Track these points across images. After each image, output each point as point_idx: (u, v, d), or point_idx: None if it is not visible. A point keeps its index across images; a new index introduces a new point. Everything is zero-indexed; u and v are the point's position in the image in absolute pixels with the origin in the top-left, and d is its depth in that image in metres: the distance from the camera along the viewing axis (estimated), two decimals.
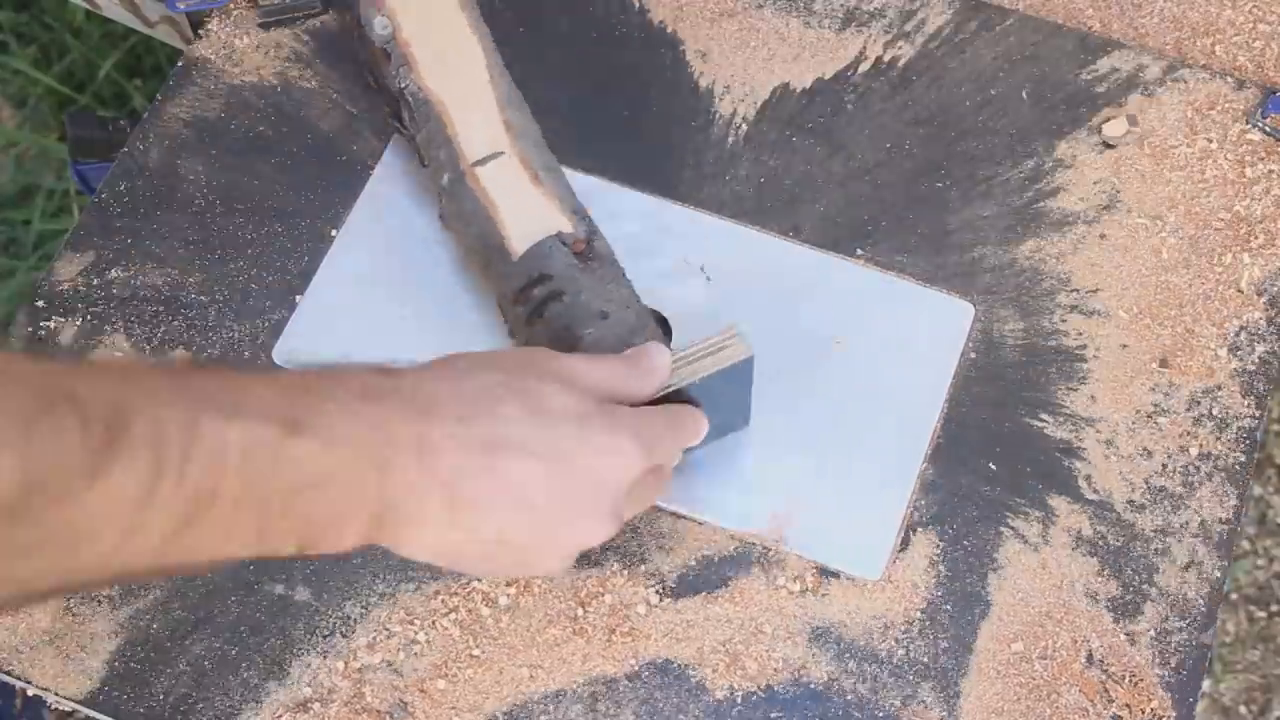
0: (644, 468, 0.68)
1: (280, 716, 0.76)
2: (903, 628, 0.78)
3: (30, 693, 0.78)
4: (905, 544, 0.79)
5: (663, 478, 0.73)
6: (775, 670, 0.77)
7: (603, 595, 0.78)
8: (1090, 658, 0.77)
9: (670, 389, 0.72)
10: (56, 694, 0.77)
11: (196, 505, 0.55)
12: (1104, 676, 0.76)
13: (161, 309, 0.86)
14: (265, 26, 0.93)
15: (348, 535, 0.61)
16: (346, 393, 0.61)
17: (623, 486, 0.67)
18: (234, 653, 0.77)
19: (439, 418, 0.63)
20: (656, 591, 0.78)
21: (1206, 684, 1.57)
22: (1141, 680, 0.76)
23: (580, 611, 0.78)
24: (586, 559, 0.78)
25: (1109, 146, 0.89)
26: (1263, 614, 1.63)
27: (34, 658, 0.78)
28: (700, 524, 0.80)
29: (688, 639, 0.77)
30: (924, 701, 0.76)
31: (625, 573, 0.79)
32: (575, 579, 0.79)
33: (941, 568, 0.79)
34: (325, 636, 0.78)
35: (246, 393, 0.58)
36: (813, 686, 0.76)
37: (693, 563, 0.79)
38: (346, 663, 0.77)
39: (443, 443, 0.62)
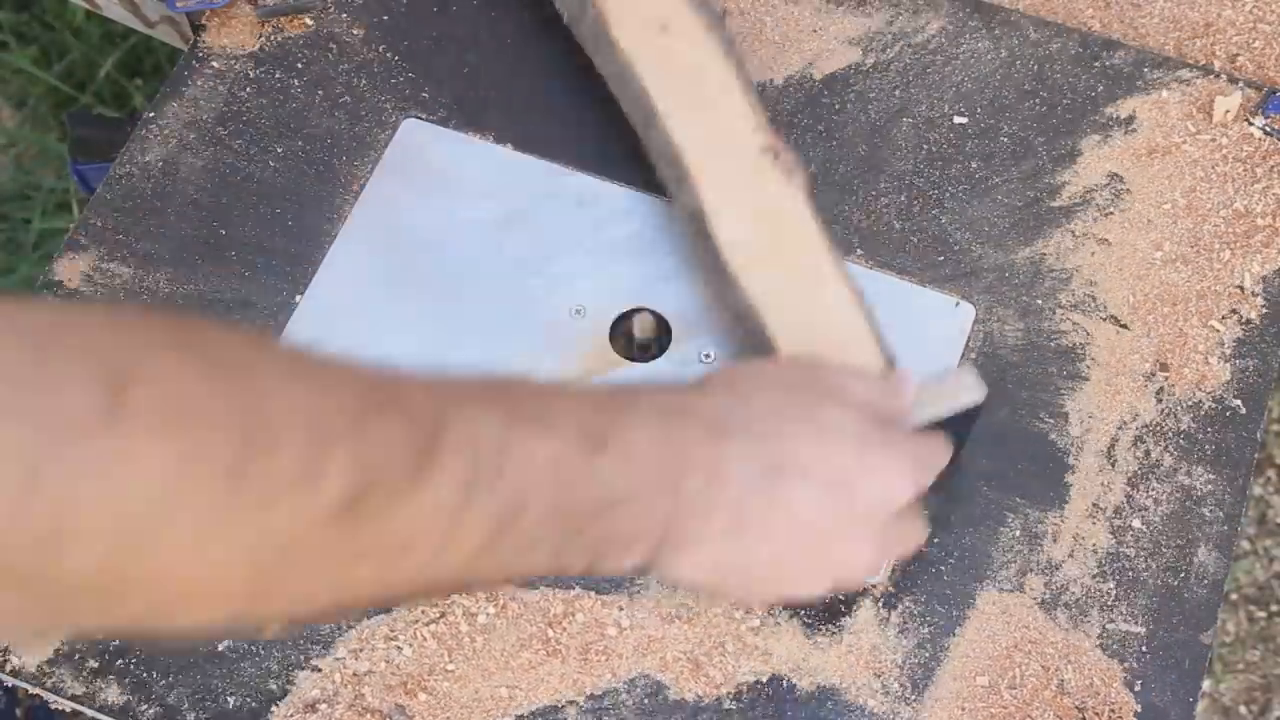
0: (913, 492, 0.67)
1: (290, 717, 0.76)
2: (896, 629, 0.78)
3: (33, 693, 0.78)
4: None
5: (918, 516, 0.71)
6: (743, 679, 0.77)
7: (574, 615, 0.78)
8: (1061, 683, 0.77)
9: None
10: (60, 696, 0.77)
11: (505, 518, 0.54)
12: (1089, 689, 0.76)
13: (164, 306, 0.85)
14: (265, 25, 0.93)
15: (634, 554, 0.61)
16: (647, 410, 0.61)
17: (891, 511, 0.66)
18: (235, 655, 0.77)
19: (731, 439, 0.63)
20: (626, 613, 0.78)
21: (1207, 684, 1.57)
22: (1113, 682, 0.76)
23: (551, 632, 0.78)
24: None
25: (1109, 146, 0.89)
26: (1263, 614, 1.63)
27: (37, 659, 0.78)
28: None
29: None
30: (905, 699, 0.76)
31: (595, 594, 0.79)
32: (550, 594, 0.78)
33: (935, 573, 0.79)
34: (325, 645, 0.78)
35: (554, 407, 0.58)
36: (796, 695, 0.76)
37: None
38: (340, 672, 0.77)
39: (732, 465, 0.62)
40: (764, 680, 0.77)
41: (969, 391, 0.73)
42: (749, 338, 0.78)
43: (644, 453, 0.60)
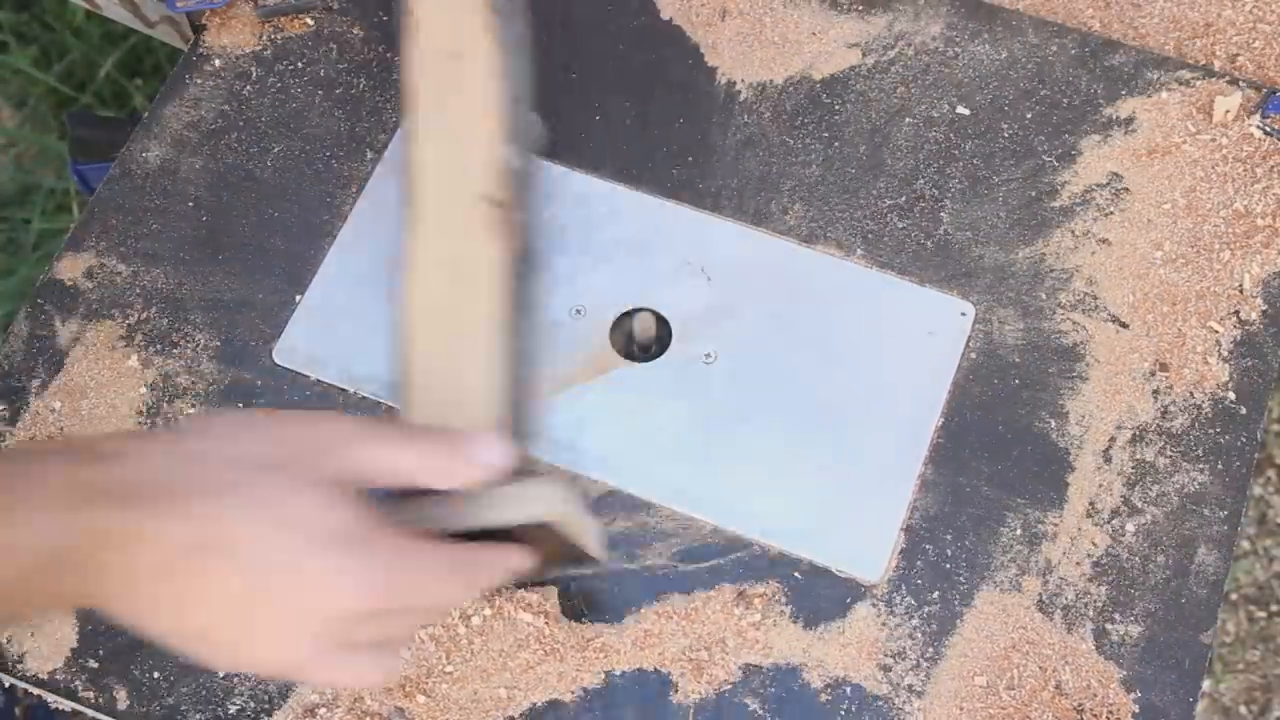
0: (367, 607, 0.59)
1: None
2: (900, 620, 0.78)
3: (34, 692, 0.78)
4: (906, 545, 0.79)
5: (409, 624, 0.63)
6: (742, 675, 0.77)
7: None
8: (1059, 684, 0.77)
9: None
10: (65, 698, 0.77)
11: None
12: (1086, 689, 0.76)
13: (161, 309, 0.86)
14: (265, 25, 0.93)
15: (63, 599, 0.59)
16: (48, 481, 0.57)
17: (333, 619, 0.59)
18: None
19: (149, 507, 0.57)
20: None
21: (1206, 684, 1.57)
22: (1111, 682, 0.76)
23: (549, 630, 0.78)
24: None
25: (1109, 146, 0.89)
26: (1263, 614, 1.63)
27: (39, 662, 0.78)
28: (696, 523, 0.80)
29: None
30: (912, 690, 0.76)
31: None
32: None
33: (934, 573, 0.79)
34: None
35: None
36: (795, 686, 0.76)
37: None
38: None
39: (144, 530, 0.57)
40: (764, 675, 0.77)
41: (541, 504, 0.65)
42: (399, 385, 0.74)
43: (47, 527, 0.56)
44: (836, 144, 0.90)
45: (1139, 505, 0.80)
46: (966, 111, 0.90)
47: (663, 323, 0.85)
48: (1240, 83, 0.90)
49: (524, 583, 0.78)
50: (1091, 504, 0.80)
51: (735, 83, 0.91)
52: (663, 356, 0.84)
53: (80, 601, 0.60)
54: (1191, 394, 0.83)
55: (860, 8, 0.93)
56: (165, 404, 0.83)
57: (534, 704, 0.77)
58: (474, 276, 0.75)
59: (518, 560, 0.66)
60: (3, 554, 0.56)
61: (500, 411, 0.72)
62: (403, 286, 0.75)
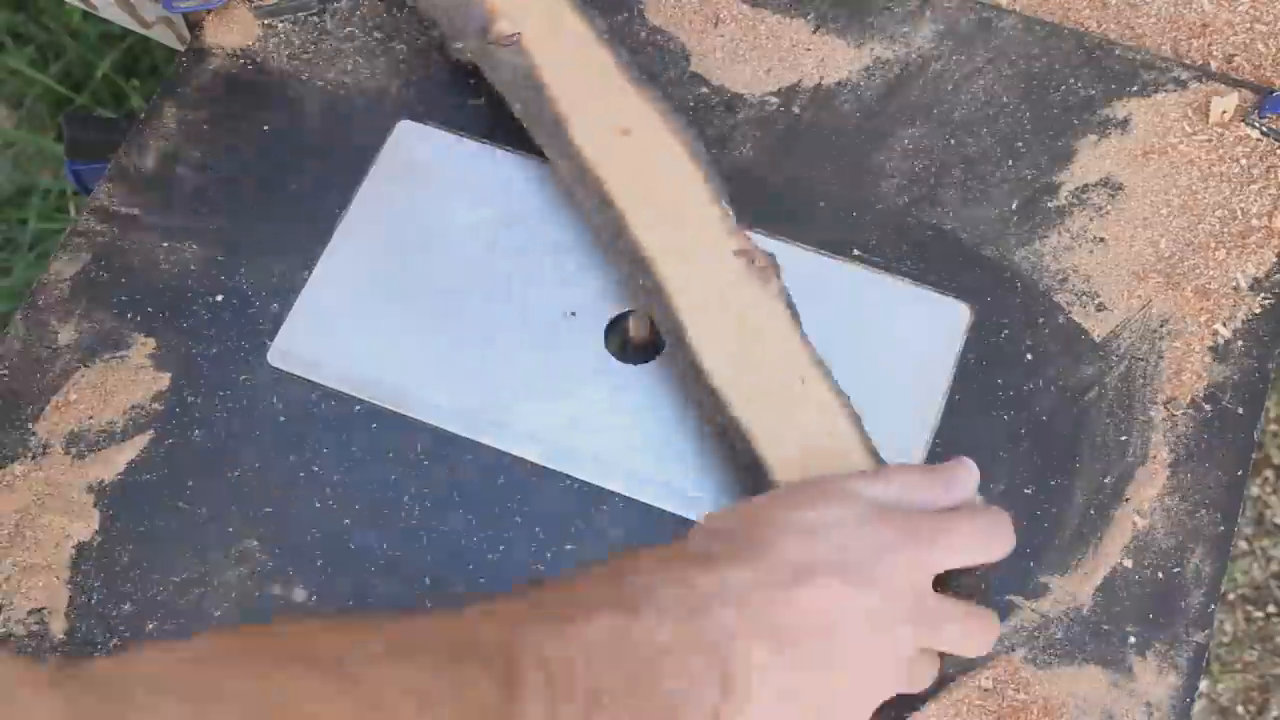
0: (927, 570, 0.67)
1: None
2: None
3: None
4: None
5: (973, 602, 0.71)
6: None
7: None
8: (1058, 684, 0.77)
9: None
10: None
11: (588, 711, 0.59)
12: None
13: (157, 310, 0.86)
14: (262, 26, 0.93)
15: (705, 706, 0.62)
16: (649, 565, 0.65)
17: (917, 587, 0.67)
18: None
19: (726, 562, 0.65)
20: None
21: (1204, 684, 1.57)
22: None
23: None
24: None
25: (1105, 146, 0.89)
26: (1260, 614, 1.63)
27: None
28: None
29: None
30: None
31: None
32: None
33: None
34: None
35: (589, 595, 0.63)
36: None
37: None
38: None
39: (739, 579, 0.64)
40: None
41: None
42: (736, 455, 0.77)
43: (664, 595, 0.63)
44: (833, 147, 0.90)
45: (1137, 504, 0.80)
46: (963, 112, 0.90)
47: (656, 325, 0.85)
48: (1237, 83, 0.90)
49: None
50: (1090, 504, 0.80)
51: (729, 88, 0.91)
52: (657, 359, 0.84)
53: (710, 697, 0.63)
54: (1188, 394, 0.83)
55: (855, 11, 0.93)
56: (162, 405, 0.83)
57: None
58: (763, 330, 0.78)
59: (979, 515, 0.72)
60: (643, 639, 0.62)
61: (875, 455, 0.76)
62: (693, 365, 0.77)
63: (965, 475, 0.73)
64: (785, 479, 0.75)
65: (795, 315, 0.79)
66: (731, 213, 0.81)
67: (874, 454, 0.76)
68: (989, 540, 0.71)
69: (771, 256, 0.80)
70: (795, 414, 0.77)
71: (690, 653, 0.62)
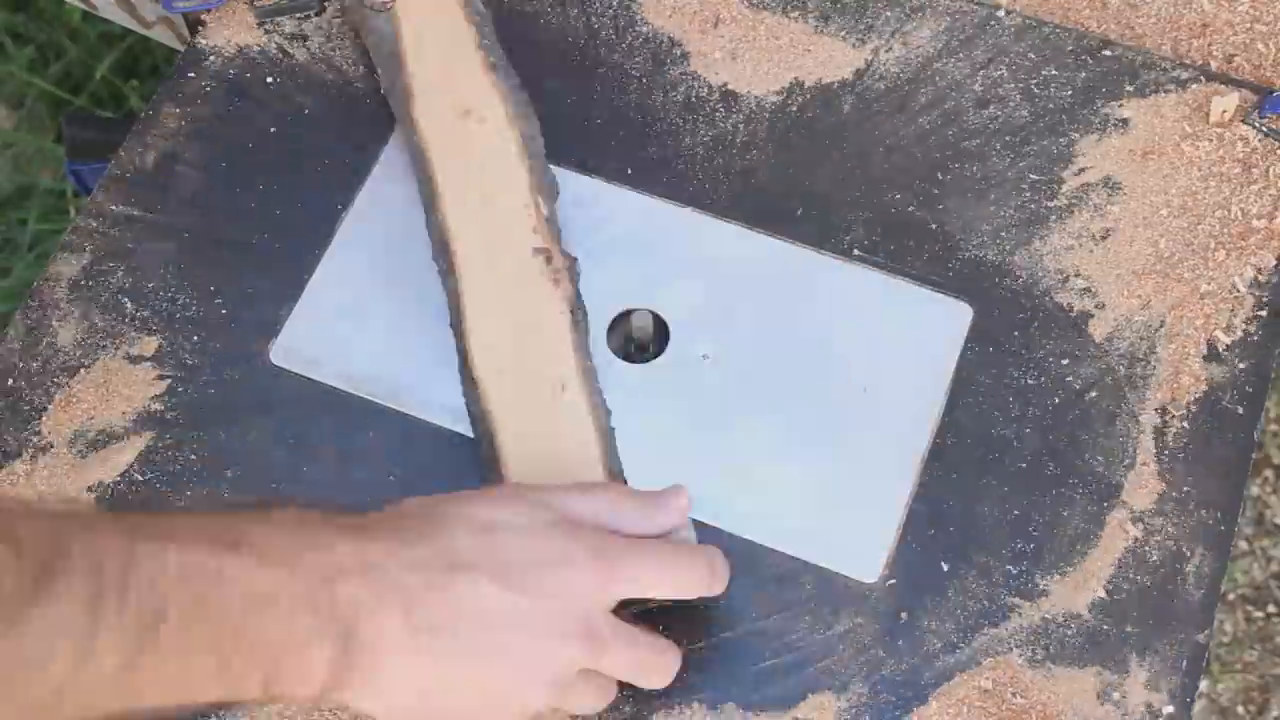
0: (606, 592, 0.65)
1: None
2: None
3: None
4: (903, 545, 0.79)
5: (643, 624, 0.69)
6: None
7: None
8: (1058, 685, 0.77)
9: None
10: None
11: (143, 628, 0.54)
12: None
13: (158, 309, 0.86)
14: (262, 27, 0.93)
15: (314, 669, 0.60)
16: (282, 518, 0.62)
17: (589, 607, 0.65)
18: None
19: (381, 539, 0.62)
20: None
21: (1204, 684, 1.57)
22: None
23: None
24: None
25: (1105, 146, 0.89)
26: (1260, 614, 1.63)
27: None
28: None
29: None
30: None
31: None
32: None
33: (932, 571, 0.79)
34: None
35: (180, 522, 0.59)
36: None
37: None
38: None
39: (387, 561, 0.61)
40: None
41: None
42: (483, 444, 0.78)
43: (281, 552, 0.59)
44: (833, 146, 0.90)
45: (1137, 505, 0.80)
46: (962, 112, 0.90)
47: (660, 323, 0.85)
48: (1237, 83, 0.91)
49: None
50: (1090, 504, 0.80)
51: (731, 88, 0.91)
52: (660, 357, 0.84)
53: (321, 661, 0.60)
54: (1188, 395, 0.83)
55: (855, 11, 0.93)
56: (162, 406, 0.83)
57: None
58: (540, 330, 0.78)
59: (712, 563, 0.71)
60: (235, 578, 0.57)
61: (612, 463, 0.76)
62: (463, 349, 0.78)
63: (675, 503, 0.71)
64: (519, 477, 0.75)
65: (580, 322, 0.80)
66: (546, 211, 0.82)
67: (614, 472, 0.77)
68: (682, 574, 0.69)
69: (573, 260, 0.81)
70: (546, 417, 0.77)
71: (300, 606, 0.59)
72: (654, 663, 0.69)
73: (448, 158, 0.84)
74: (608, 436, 0.78)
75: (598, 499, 0.69)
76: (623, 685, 0.70)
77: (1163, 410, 0.82)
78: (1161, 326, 0.84)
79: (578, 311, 0.81)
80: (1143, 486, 0.81)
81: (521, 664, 0.64)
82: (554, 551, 0.65)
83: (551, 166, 0.86)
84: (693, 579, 0.69)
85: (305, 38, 0.93)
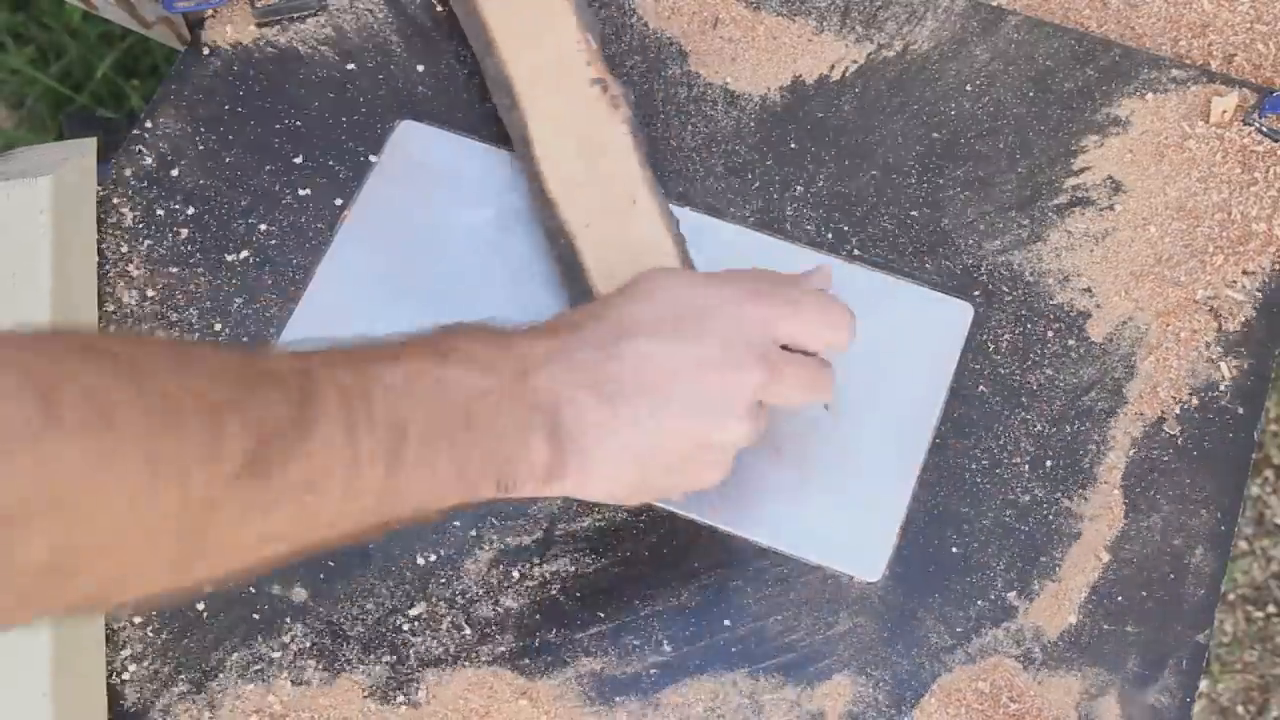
0: (768, 324, 0.69)
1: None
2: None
3: None
4: (905, 544, 0.79)
5: (812, 374, 0.72)
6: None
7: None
8: (1057, 685, 0.77)
9: None
10: None
11: (392, 446, 0.60)
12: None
13: (160, 309, 0.86)
14: (262, 26, 0.93)
15: (536, 460, 0.65)
16: (470, 331, 0.67)
17: (755, 338, 0.69)
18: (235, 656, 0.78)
19: (556, 334, 0.68)
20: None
21: (1204, 684, 1.57)
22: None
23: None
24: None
25: (1106, 146, 0.89)
26: (1260, 614, 1.63)
27: None
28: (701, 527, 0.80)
29: None
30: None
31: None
32: None
33: (932, 570, 0.79)
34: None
35: (393, 346, 0.65)
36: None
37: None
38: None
39: (565, 347, 0.67)
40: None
41: None
42: (562, 260, 0.83)
43: (483, 353, 0.65)
44: (833, 147, 0.90)
45: (1137, 505, 0.80)
46: (963, 112, 0.90)
47: None
48: (1237, 83, 0.91)
49: None
50: (1090, 503, 0.80)
51: (731, 88, 0.91)
52: None
53: (539, 449, 0.66)
54: (1189, 394, 0.83)
55: (854, 11, 0.93)
56: None
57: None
58: (605, 150, 0.84)
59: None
60: (452, 380, 0.64)
61: (687, 260, 0.82)
62: (535, 173, 0.84)
63: (819, 276, 0.75)
64: (603, 284, 0.80)
65: (640, 142, 0.85)
66: (595, 45, 0.87)
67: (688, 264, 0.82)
68: (835, 319, 0.73)
69: (626, 89, 0.86)
70: (622, 227, 0.83)
71: (510, 400, 0.64)
72: (822, 376, 0.73)
73: (496, 3, 0.88)
74: (681, 242, 0.83)
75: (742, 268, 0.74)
76: None
77: (1162, 410, 0.82)
78: (1162, 326, 0.84)
79: (638, 133, 0.85)
80: (1142, 486, 0.81)
81: (713, 402, 0.68)
82: (713, 297, 0.69)
83: None
84: (844, 325, 0.73)
85: (304, 37, 0.93)
